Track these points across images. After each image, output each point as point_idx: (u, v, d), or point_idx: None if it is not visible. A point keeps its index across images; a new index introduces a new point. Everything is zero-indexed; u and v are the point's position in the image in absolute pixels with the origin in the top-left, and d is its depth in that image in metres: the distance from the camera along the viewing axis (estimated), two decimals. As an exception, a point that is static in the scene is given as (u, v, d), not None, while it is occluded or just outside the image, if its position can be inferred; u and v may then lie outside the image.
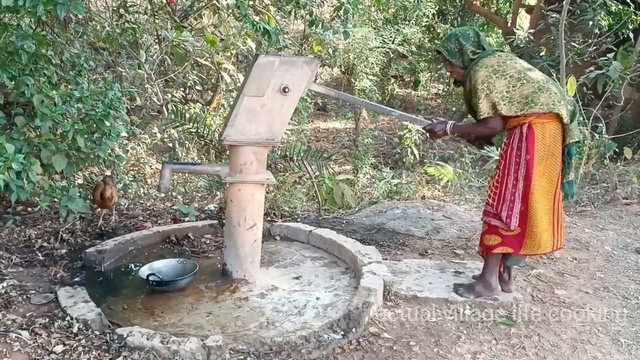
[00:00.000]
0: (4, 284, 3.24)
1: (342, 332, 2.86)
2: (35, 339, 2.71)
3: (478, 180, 7.22)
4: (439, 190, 7.50)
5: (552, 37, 8.79)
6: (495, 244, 3.25)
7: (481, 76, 3.08)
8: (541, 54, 9.24)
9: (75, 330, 2.77)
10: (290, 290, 3.46)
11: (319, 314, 3.17)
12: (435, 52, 3.42)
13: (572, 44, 8.32)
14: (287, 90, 3.20)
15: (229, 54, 7.64)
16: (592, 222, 5.10)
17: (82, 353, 2.62)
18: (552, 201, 3.19)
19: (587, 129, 6.32)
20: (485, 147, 4.16)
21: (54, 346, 2.65)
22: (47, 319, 2.88)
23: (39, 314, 2.95)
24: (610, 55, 6.83)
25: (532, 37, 9.62)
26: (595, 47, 7.99)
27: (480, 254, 3.45)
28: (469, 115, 3.49)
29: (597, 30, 8.26)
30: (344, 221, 4.94)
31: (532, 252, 3.26)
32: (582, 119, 6.15)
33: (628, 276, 3.87)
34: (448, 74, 13.09)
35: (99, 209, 4.54)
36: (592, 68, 6.73)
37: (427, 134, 3.55)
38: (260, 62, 3.14)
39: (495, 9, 12.68)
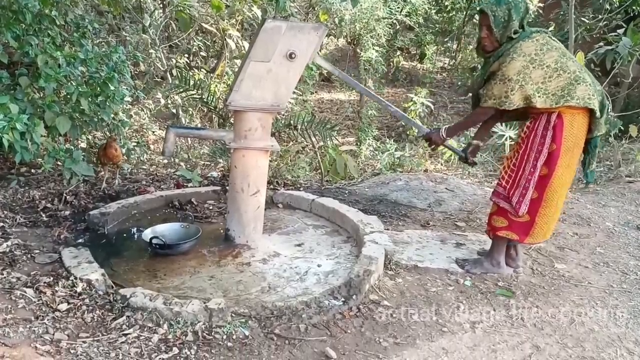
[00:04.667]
0: (9, 243, 3.27)
1: (343, 299, 2.89)
2: (40, 296, 2.74)
3: (481, 155, 7.21)
4: (441, 164, 7.50)
5: (562, 12, 8.68)
6: (502, 227, 3.24)
7: (517, 66, 2.93)
8: (550, 28, 9.13)
9: (79, 289, 2.80)
10: (292, 257, 3.49)
11: (320, 280, 3.20)
12: (477, 11, 3.22)
13: (582, 19, 8.21)
14: (293, 56, 3.17)
15: (234, 20, 7.56)
16: (594, 198, 5.10)
17: (86, 312, 2.65)
18: (566, 191, 3.18)
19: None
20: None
21: (58, 304, 2.69)
22: (52, 278, 2.91)
23: (43, 273, 2.98)
24: (620, 31, 6.74)
25: (541, 12, 9.49)
26: (605, 23, 7.88)
27: (487, 232, 3.44)
28: (471, 93, 3.41)
29: (607, 6, 8.13)
30: (347, 191, 4.95)
31: (536, 241, 3.25)
32: (610, 109, 6.07)
33: (628, 252, 3.89)
34: (455, 46, 12.98)
35: (102, 172, 4.55)
36: (601, 44, 6.64)
37: (427, 143, 3.52)
38: (267, 26, 3.11)
39: (505, -19, 12.43)
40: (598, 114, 3.01)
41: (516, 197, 3.11)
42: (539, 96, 2.95)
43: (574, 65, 3.00)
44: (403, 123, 9.24)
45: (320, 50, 3.31)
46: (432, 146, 3.50)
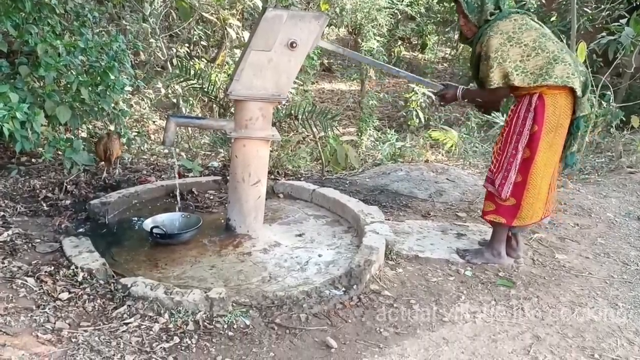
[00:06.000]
0: (10, 232, 3.27)
1: (344, 289, 2.89)
2: (41, 286, 2.74)
3: (482, 146, 7.20)
4: (442, 155, 7.49)
5: (564, 2, 8.62)
6: (490, 211, 3.26)
7: (495, 44, 2.94)
8: (552, 19, 9.09)
9: (80, 279, 2.81)
10: (293, 247, 3.49)
11: (320, 270, 3.20)
12: (452, 0, 3.23)
13: (585, 9, 8.16)
14: (294, 45, 3.15)
15: (235, 10, 7.52)
16: (595, 189, 5.09)
17: (87, 301, 2.66)
18: (551, 172, 3.17)
19: (595, 97, 6.25)
20: (491, 114, 4.08)
21: (59, 293, 2.69)
22: (52, 267, 2.91)
23: (44, 262, 2.98)
24: (623, 21, 6.69)
25: (543, 1, 9.44)
26: (607, 13, 7.84)
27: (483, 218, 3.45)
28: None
29: (610, -4, 8.09)
30: (347, 181, 4.95)
31: (523, 223, 3.23)
32: (591, 88, 6.05)
33: (629, 243, 3.89)
34: (456, 37, 12.91)
35: (102, 162, 4.54)
36: (603, 34, 6.61)
37: (438, 98, 3.51)
38: (268, 15, 3.08)
39: (508, -29, 12.35)
40: (579, 93, 3.00)
41: (498, 180, 3.13)
42: (517, 74, 2.95)
43: (554, 45, 3.00)
44: (404, 113, 9.22)
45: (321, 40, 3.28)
46: (444, 102, 3.49)
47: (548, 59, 2.95)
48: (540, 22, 3.11)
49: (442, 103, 3.55)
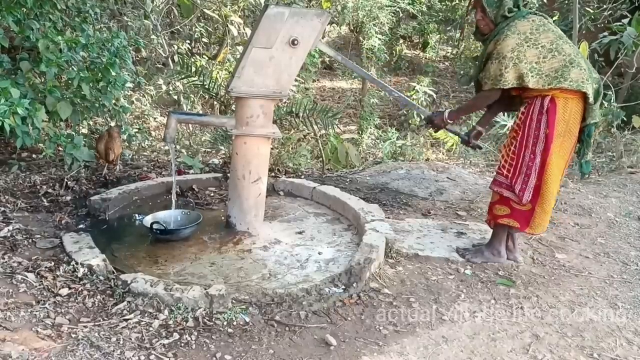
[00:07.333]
0: (10, 228, 3.27)
1: (343, 286, 2.89)
2: (41, 281, 2.75)
3: (483, 145, 7.18)
4: (443, 153, 7.49)
5: (566, 1, 8.61)
6: (503, 215, 3.22)
7: (512, 44, 2.93)
8: (554, 18, 9.07)
9: (80, 274, 2.81)
10: (293, 244, 3.49)
11: (320, 268, 3.21)
12: None
13: (587, 8, 8.15)
14: (296, 42, 3.15)
15: (236, 6, 7.51)
16: (596, 189, 5.09)
17: (87, 297, 2.66)
18: (560, 177, 3.16)
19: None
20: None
21: (59, 289, 2.70)
22: (53, 263, 2.92)
23: (44, 258, 2.99)
24: (625, 21, 6.69)
25: (545, 1, 9.43)
26: (609, 13, 7.83)
27: (487, 222, 3.44)
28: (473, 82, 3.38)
29: (612, -5, 8.08)
30: (348, 180, 4.95)
31: (535, 232, 3.23)
32: (605, 96, 6.03)
33: (629, 243, 3.89)
34: (458, 35, 12.91)
35: (102, 160, 4.54)
36: (605, 33, 6.60)
37: (428, 125, 3.52)
38: (270, 12, 3.08)
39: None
40: (591, 99, 2.98)
41: (519, 185, 3.09)
42: (532, 76, 2.93)
43: (570, 48, 2.99)
44: (405, 112, 9.22)
45: (322, 38, 3.28)
46: (435, 129, 3.49)
47: (564, 62, 2.93)
48: (555, 25, 3.09)
49: (433, 129, 3.55)
